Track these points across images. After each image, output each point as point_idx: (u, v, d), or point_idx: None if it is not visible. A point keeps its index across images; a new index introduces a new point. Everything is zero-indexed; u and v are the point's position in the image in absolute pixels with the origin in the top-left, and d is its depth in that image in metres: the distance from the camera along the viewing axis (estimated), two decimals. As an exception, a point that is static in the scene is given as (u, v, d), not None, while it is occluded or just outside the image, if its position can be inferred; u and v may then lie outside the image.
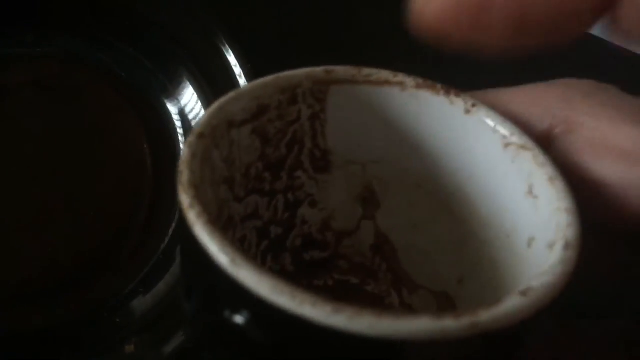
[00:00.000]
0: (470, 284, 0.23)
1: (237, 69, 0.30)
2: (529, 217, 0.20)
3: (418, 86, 0.22)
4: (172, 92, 0.33)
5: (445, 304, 0.24)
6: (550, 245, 0.18)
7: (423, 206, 0.24)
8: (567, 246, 0.17)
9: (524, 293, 0.16)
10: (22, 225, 0.30)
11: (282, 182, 0.24)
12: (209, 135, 0.19)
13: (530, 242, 0.20)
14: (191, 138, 0.19)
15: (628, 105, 0.20)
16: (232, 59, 0.31)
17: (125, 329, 0.28)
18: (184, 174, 0.18)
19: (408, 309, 0.25)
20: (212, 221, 0.16)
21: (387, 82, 0.22)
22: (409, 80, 0.22)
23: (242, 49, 0.31)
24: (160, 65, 0.33)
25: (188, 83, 0.33)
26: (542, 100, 0.21)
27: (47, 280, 0.29)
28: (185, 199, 0.17)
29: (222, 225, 0.22)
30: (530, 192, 0.20)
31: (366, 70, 0.22)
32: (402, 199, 0.25)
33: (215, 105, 0.20)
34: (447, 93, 0.22)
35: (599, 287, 0.24)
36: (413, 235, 0.25)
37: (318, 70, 0.22)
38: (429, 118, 0.23)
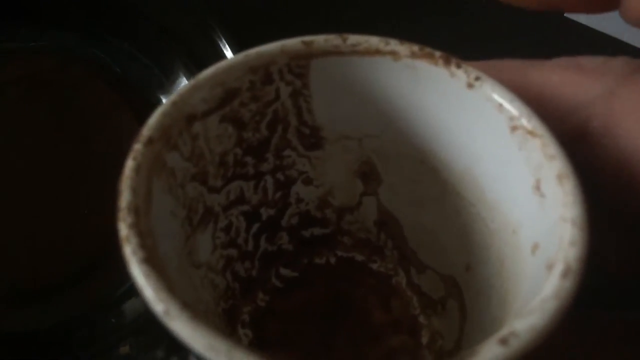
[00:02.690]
0: (478, 272, 0.21)
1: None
2: (535, 218, 0.17)
3: (413, 55, 0.19)
4: (169, 87, 0.32)
5: (452, 289, 0.22)
6: (549, 266, 0.15)
7: (428, 183, 0.22)
8: (566, 272, 0.15)
9: (504, 341, 0.14)
10: (17, 225, 0.29)
11: (268, 164, 0.22)
12: (160, 138, 0.17)
13: (534, 249, 0.17)
14: (137, 145, 0.17)
15: None
16: (228, 53, 0.30)
17: (121, 329, 0.28)
18: (123, 196, 0.16)
19: (416, 289, 0.23)
20: (151, 258, 0.15)
21: (377, 52, 0.19)
22: (403, 49, 0.19)
23: (239, 43, 0.30)
24: (156, 61, 0.32)
25: (184, 78, 0.32)
26: (576, 84, 0.18)
27: (42, 281, 0.28)
28: (122, 227, 0.15)
29: (197, 221, 0.20)
30: (537, 187, 0.17)
31: (352, 39, 0.19)
32: (405, 174, 0.22)
33: (169, 100, 0.18)
34: (447, 63, 0.19)
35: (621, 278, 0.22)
36: (419, 213, 0.23)
37: (294, 42, 0.19)
38: (426, 91, 0.19)
